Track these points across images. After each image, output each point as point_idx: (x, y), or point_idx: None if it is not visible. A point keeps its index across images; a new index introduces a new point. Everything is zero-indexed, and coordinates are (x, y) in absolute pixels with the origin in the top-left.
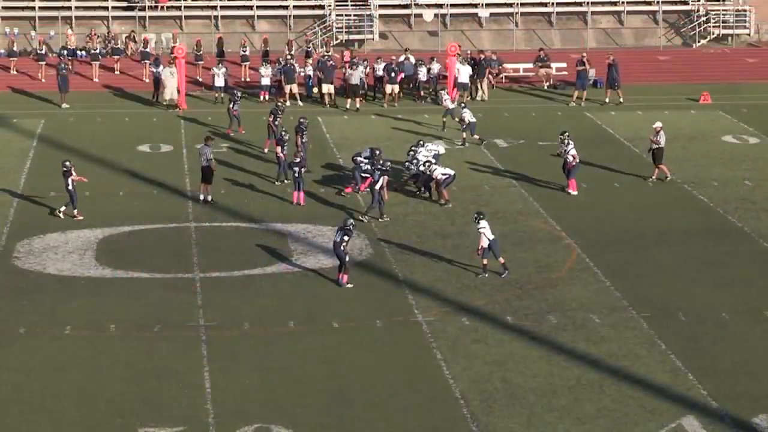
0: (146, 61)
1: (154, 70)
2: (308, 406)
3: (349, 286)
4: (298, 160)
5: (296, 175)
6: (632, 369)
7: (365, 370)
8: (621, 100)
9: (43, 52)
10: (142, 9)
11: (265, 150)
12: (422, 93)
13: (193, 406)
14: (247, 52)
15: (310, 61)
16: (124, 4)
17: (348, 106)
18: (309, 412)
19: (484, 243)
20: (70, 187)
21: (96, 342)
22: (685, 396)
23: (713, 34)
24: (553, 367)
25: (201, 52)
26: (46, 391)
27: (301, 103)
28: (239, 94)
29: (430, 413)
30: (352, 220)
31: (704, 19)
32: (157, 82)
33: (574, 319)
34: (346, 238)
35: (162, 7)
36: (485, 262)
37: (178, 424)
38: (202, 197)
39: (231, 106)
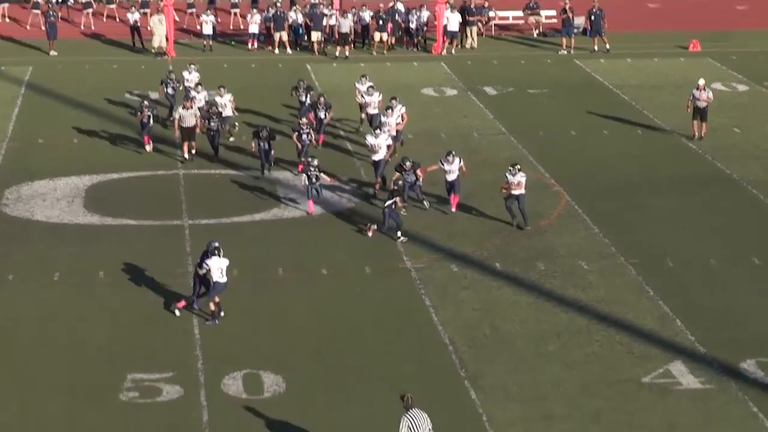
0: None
1: (130, 17)
2: (297, 352)
3: (178, 313)
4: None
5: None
6: (620, 315)
7: (354, 317)
8: (607, 47)
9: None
10: None
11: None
12: (414, 41)
13: (182, 352)
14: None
15: (296, 7)
16: None
17: (337, 54)
18: (298, 358)
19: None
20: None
21: (85, 289)
22: (672, 342)
23: None
24: (542, 314)
25: (193, 0)
26: (36, 338)
27: (290, 51)
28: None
29: (418, 359)
30: (216, 243)
31: None
32: (135, 30)
33: (562, 265)
34: (206, 265)
35: None
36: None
37: (167, 370)
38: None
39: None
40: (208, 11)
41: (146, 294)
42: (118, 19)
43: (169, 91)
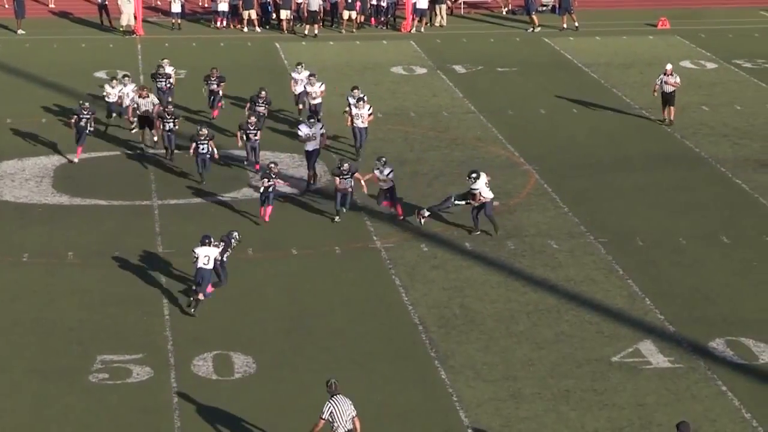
0: None
1: None
2: (267, 333)
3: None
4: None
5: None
6: (590, 294)
7: (324, 296)
8: (576, 25)
9: None
10: None
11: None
12: (382, 18)
13: (152, 333)
14: None
15: None
16: None
17: (306, 32)
18: (268, 339)
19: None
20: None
21: (54, 269)
22: (642, 321)
23: None
24: (511, 293)
25: None
26: (4, 319)
27: (258, 29)
28: None
29: (389, 339)
30: (236, 233)
31: None
32: (103, 8)
33: (532, 244)
34: (229, 251)
35: None
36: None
37: (136, 351)
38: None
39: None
40: None
41: (116, 274)
42: None
43: (160, 86)
